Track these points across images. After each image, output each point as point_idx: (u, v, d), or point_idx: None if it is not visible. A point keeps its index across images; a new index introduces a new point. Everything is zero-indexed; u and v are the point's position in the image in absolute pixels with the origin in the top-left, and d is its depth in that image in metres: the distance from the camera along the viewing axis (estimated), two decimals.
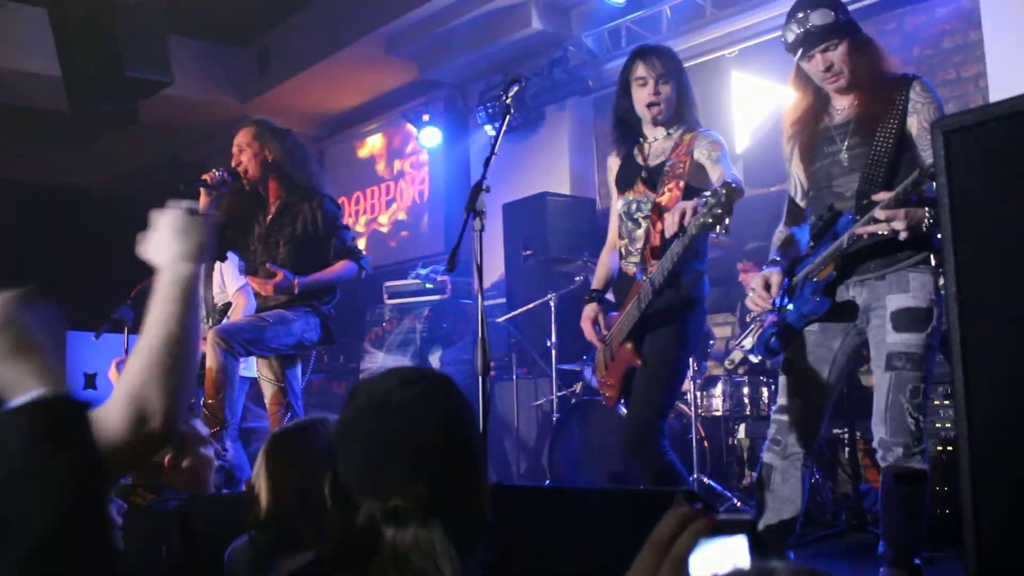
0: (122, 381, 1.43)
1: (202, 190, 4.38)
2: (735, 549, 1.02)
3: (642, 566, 1.02)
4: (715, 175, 3.55)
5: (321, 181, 4.74)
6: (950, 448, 4.44)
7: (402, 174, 10.07)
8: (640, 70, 3.67)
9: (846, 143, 3.20)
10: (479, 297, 3.01)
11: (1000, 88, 5.38)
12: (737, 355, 5.34)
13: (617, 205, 3.85)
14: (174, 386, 1.42)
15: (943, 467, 4.42)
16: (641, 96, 3.69)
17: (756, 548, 1.01)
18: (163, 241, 1.54)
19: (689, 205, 3.26)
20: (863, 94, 3.20)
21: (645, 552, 1.04)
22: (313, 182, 4.65)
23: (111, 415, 1.38)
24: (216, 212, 4.36)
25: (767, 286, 3.27)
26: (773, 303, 3.26)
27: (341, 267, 4.53)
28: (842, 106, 3.27)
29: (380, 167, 10.35)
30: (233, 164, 4.54)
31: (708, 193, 3.22)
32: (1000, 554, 1.71)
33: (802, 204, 3.45)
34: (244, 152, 4.55)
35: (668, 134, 3.74)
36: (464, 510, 1.33)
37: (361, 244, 10.36)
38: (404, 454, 1.33)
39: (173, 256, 1.52)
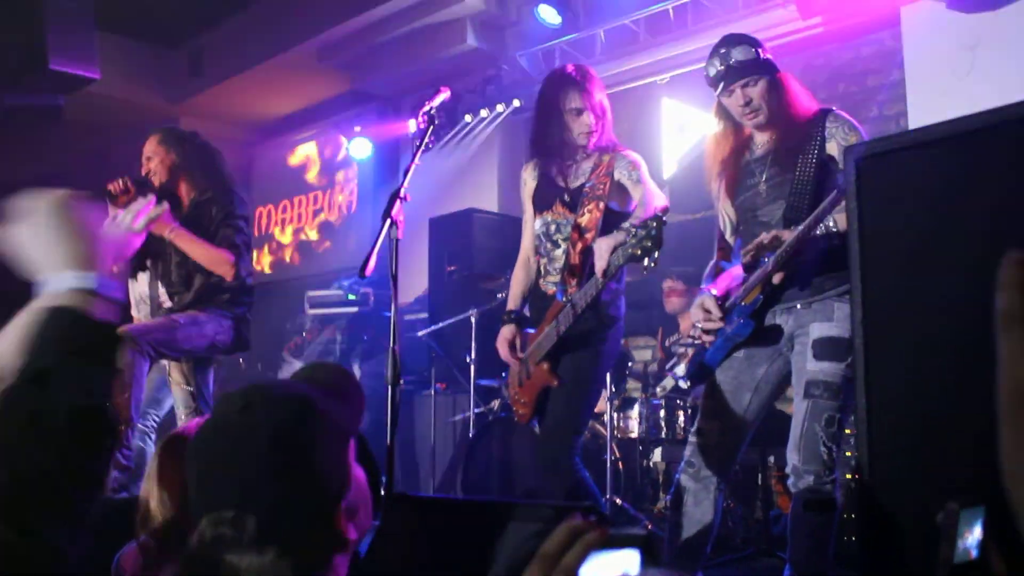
0: None
1: (108, 202, 4.35)
2: (627, 563, 1.00)
3: None
4: (637, 194, 3.57)
5: (231, 181, 4.66)
6: (858, 476, 4.50)
7: (331, 184, 9.97)
8: (576, 101, 3.65)
9: (764, 175, 3.26)
10: (393, 307, 2.98)
11: (919, 125, 5.52)
12: (669, 382, 5.39)
13: (535, 224, 3.86)
14: None
15: (851, 494, 4.47)
16: (577, 126, 3.67)
17: (648, 563, 0.99)
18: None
19: (607, 246, 3.29)
20: (780, 130, 3.26)
21: (534, 564, 1.00)
22: (222, 182, 4.57)
23: None
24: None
25: (706, 310, 3.28)
26: (724, 319, 3.26)
27: (216, 251, 4.35)
28: (762, 141, 3.33)
29: (310, 176, 10.24)
30: (143, 172, 4.57)
31: (636, 224, 3.22)
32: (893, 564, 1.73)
33: (730, 240, 3.48)
34: (152, 160, 4.58)
35: (587, 155, 3.74)
36: (308, 537, 1.29)
37: (287, 254, 10.24)
38: (234, 481, 1.28)
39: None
